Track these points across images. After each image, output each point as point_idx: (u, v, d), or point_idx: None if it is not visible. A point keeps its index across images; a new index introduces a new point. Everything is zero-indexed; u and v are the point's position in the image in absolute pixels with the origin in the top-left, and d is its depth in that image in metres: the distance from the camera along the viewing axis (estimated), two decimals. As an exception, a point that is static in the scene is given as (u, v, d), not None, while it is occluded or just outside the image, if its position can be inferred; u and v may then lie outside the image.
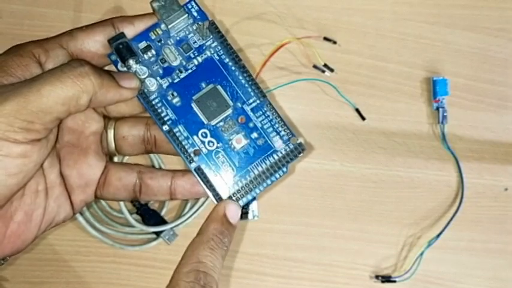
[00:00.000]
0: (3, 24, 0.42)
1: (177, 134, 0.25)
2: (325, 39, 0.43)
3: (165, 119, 0.25)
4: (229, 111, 0.25)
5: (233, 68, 0.25)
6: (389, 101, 0.43)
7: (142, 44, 0.25)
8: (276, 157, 0.26)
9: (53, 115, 0.21)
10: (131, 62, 0.25)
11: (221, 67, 0.25)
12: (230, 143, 0.25)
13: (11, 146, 0.20)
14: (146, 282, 0.42)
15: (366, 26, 0.44)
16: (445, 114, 0.43)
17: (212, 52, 0.25)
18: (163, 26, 0.25)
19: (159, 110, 0.25)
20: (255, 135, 0.25)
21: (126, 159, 0.40)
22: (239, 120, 0.25)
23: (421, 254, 0.42)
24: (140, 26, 0.25)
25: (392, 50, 0.44)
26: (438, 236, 0.42)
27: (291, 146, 0.26)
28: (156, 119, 0.25)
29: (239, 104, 0.25)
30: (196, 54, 0.25)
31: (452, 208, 0.43)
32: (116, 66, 0.25)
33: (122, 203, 0.40)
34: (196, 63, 0.25)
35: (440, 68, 0.44)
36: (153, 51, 0.25)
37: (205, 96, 0.25)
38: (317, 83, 0.43)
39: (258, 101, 0.25)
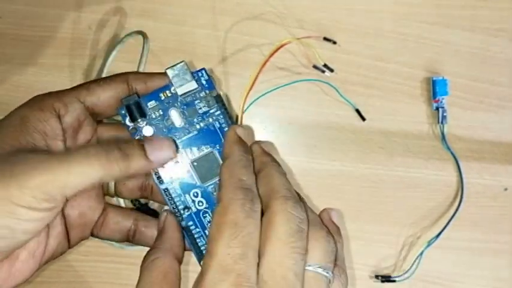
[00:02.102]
0: (3, 24, 0.42)
1: (171, 191, 0.27)
2: (325, 39, 0.43)
3: (163, 175, 0.27)
4: None
5: None
6: (389, 101, 0.43)
7: (152, 104, 0.27)
8: None
9: (75, 190, 0.23)
10: (140, 121, 0.27)
11: (220, 134, 0.27)
12: None
13: (32, 213, 0.22)
14: (146, 282, 0.42)
15: (365, 26, 0.44)
16: (444, 114, 0.43)
17: (214, 119, 0.27)
18: (173, 89, 0.27)
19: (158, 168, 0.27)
20: None
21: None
22: None
23: (421, 253, 0.42)
24: (151, 85, 0.27)
25: (392, 50, 0.44)
26: (438, 235, 0.42)
27: None
28: (154, 176, 0.27)
29: None
30: (199, 120, 0.27)
31: (452, 208, 0.43)
32: (124, 121, 0.27)
33: (122, 202, 0.40)
34: (198, 127, 0.27)
35: (440, 68, 0.44)
36: (161, 112, 0.27)
37: (202, 159, 0.27)
38: (317, 83, 0.43)
39: None
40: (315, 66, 0.43)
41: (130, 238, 0.28)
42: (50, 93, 0.26)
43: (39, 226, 0.23)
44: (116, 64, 0.42)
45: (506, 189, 0.44)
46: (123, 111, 0.26)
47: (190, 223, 0.27)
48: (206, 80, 0.27)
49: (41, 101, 0.25)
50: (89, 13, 0.43)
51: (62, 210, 0.26)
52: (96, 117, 0.28)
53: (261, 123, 0.43)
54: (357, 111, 0.43)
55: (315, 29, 0.43)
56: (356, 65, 0.43)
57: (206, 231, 0.27)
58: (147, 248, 0.43)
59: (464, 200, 0.42)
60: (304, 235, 0.22)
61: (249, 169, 0.24)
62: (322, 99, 0.43)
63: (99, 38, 0.42)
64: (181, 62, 0.27)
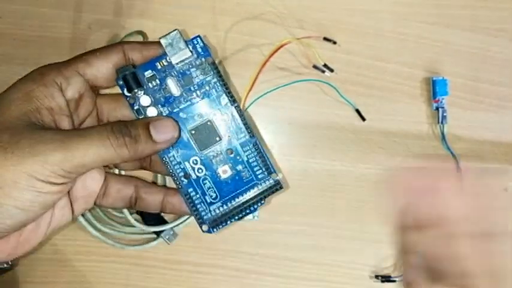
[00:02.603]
0: (3, 24, 0.42)
1: (171, 159, 0.28)
2: (325, 39, 0.43)
3: None
4: (220, 143, 0.28)
5: (228, 104, 0.28)
6: (389, 101, 0.43)
7: (148, 73, 0.27)
8: (256, 189, 0.28)
9: (88, 168, 0.24)
10: (137, 91, 0.27)
11: (217, 102, 0.28)
12: (217, 172, 0.28)
13: (51, 187, 0.24)
14: (146, 282, 0.42)
15: (365, 26, 0.44)
16: (444, 114, 0.43)
17: (211, 87, 0.27)
18: (168, 58, 0.27)
19: None
20: (240, 167, 0.28)
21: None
22: (228, 152, 0.28)
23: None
24: (147, 54, 0.27)
25: (392, 50, 0.44)
26: (438, 236, 0.42)
27: (271, 181, 0.28)
28: None
29: (229, 137, 0.28)
30: (196, 88, 0.27)
31: (452, 208, 0.43)
32: (123, 92, 0.27)
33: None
34: (195, 95, 0.27)
35: (440, 68, 0.44)
36: (157, 81, 0.27)
37: (200, 128, 0.27)
38: (317, 83, 0.43)
39: (246, 137, 0.28)
40: (315, 66, 0.43)
41: (132, 205, 0.29)
42: (49, 66, 0.26)
43: (55, 199, 0.25)
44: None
45: (506, 189, 0.44)
46: (120, 82, 0.27)
47: (191, 189, 0.28)
48: (202, 47, 0.27)
49: (43, 75, 0.25)
50: (89, 13, 0.43)
51: None
52: (95, 89, 0.28)
53: (261, 123, 0.43)
54: (357, 111, 0.43)
55: (315, 29, 0.43)
56: (356, 65, 0.43)
57: (206, 197, 0.28)
58: (147, 248, 0.43)
59: (464, 200, 0.42)
60: None
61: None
62: (322, 99, 0.43)
63: (99, 38, 0.42)
64: (174, 30, 0.27)
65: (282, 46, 0.41)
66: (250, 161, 0.28)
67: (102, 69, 0.27)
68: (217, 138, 0.27)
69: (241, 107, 0.39)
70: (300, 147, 0.43)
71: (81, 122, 0.28)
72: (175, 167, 0.28)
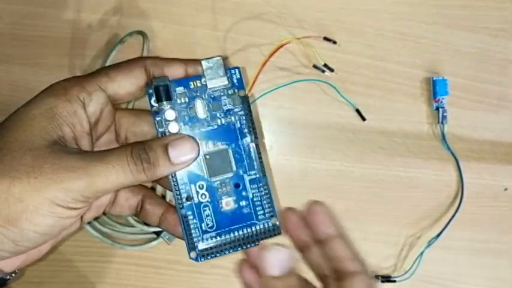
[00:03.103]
0: (3, 24, 0.42)
1: (178, 177, 0.27)
2: (325, 39, 0.43)
3: None
4: (230, 174, 0.28)
5: (248, 139, 0.28)
6: (389, 101, 0.43)
7: (180, 90, 0.27)
8: (254, 229, 0.28)
9: (107, 193, 0.25)
10: (165, 103, 0.27)
11: (238, 134, 0.28)
12: (220, 202, 0.28)
13: (70, 212, 0.24)
14: (146, 282, 0.42)
15: (365, 26, 0.44)
16: (444, 114, 0.43)
17: (236, 119, 0.28)
18: (203, 81, 0.27)
19: None
20: (243, 203, 0.28)
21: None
22: (235, 186, 0.28)
23: (421, 253, 0.42)
24: (169, 72, 0.27)
25: (392, 50, 0.44)
26: (438, 235, 0.42)
27: (270, 225, 0.28)
28: None
29: (241, 172, 0.28)
30: (222, 116, 0.28)
31: (452, 208, 0.43)
32: (150, 101, 0.27)
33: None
34: (219, 122, 0.28)
35: (440, 68, 0.44)
36: (187, 99, 0.27)
37: (215, 154, 0.28)
38: (317, 83, 0.43)
39: (258, 175, 0.28)
40: (315, 66, 0.43)
41: (137, 213, 0.29)
42: (72, 81, 0.26)
43: (73, 221, 0.25)
44: (116, 64, 0.42)
45: (506, 189, 0.44)
46: (150, 91, 0.27)
47: (189, 213, 0.27)
48: (238, 79, 0.28)
49: (66, 90, 0.25)
50: (89, 13, 0.43)
51: None
52: (115, 104, 0.28)
53: (261, 123, 0.43)
54: (357, 111, 0.43)
55: (315, 28, 0.43)
56: (356, 64, 0.43)
57: (203, 224, 0.28)
58: (147, 248, 0.43)
59: (464, 200, 0.42)
60: None
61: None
62: (322, 99, 0.43)
63: (99, 38, 0.42)
64: (217, 56, 0.27)
65: (282, 46, 0.41)
66: (255, 199, 0.28)
67: (124, 83, 0.26)
68: (229, 169, 0.27)
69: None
70: (300, 147, 0.43)
71: (99, 136, 0.28)
72: (181, 186, 0.27)
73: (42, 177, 0.23)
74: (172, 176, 0.27)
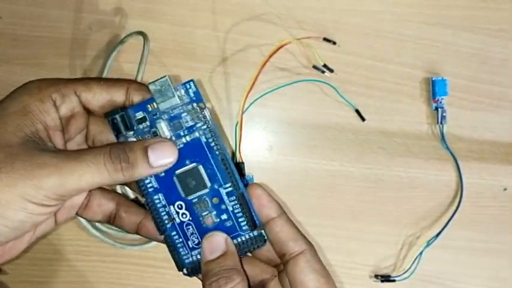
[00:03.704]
0: (3, 24, 0.42)
1: (156, 201, 0.27)
2: (325, 39, 0.43)
3: (148, 185, 0.27)
4: (206, 190, 0.27)
5: (216, 152, 0.27)
6: (388, 102, 0.43)
7: (139, 115, 0.27)
8: (239, 240, 0.27)
9: (82, 192, 0.25)
10: (127, 133, 0.27)
11: (206, 149, 0.27)
12: (201, 219, 0.27)
13: (42, 209, 0.24)
14: (146, 281, 0.42)
15: (365, 26, 0.44)
16: (444, 114, 0.43)
17: (201, 133, 0.27)
18: (155, 104, 0.27)
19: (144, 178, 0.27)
20: (224, 216, 0.27)
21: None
22: (213, 201, 0.27)
23: (421, 253, 0.42)
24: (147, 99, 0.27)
25: (391, 51, 0.44)
26: (437, 235, 0.42)
27: (255, 234, 0.27)
28: (139, 185, 0.27)
29: (216, 186, 0.27)
30: (186, 133, 0.27)
31: (452, 208, 0.43)
32: (113, 133, 0.27)
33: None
34: (184, 141, 0.27)
35: (439, 69, 0.44)
36: (148, 123, 0.27)
37: (187, 173, 0.27)
38: (317, 83, 0.43)
39: (232, 187, 0.27)
40: (314, 67, 0.43)
41: (111, 221, 0.29)
42: (48, 81, 0.26)
43: (45, 218, 0.25)
44: (116, 64, 0.42)
45: (505, 189, 0.44)
46: (110, 124, 0.26)
47: (174, 233, 0.27)
48: (194, 92, 0.27)
49: (40, 89, 0.25)
50: (89, 13, 0.43)
51: None
52: (88, 111, 0.28)
53: (261, 123, 0.43)
54: (357, 111, 0.43)
55: (315, 29, 0.43)
56: (356, 65, 0.43)
57: (189, 242, 0.27)
58: (147, 248, 0.43)
59: (464, 200, 0.42)
60: None
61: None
62: (322, 100, 0.43)
63: (99, 38, 0.42)
64: (163, 76, 0.26)
65: (282, 46, 0.41)
66: (236, 211, 0.27)
67: (99, 97, 0.26)
68: (204, 186, 0.27)
69: (241, 107, 0.39)
70: (300, 147, 0.43)
71: (69, 139, 0.28)
72: (160, 210, 0.27)
73: (13, 173, 0.23)
74: (149, 202, 0.27)
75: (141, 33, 0.41)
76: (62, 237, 0.42)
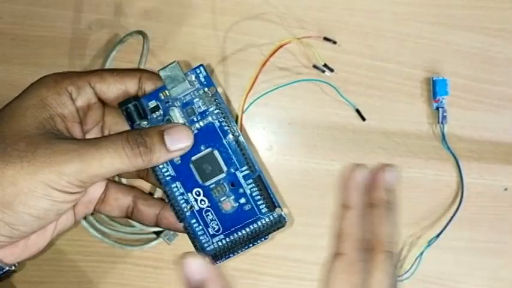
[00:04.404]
0: (3, 24, 0.42)
1: (174, 189, 0.27)
2: (325, 39, 0.43)
3: (165, 174, 0.27)
4: (222, 175, 0.27)
5: (230, 136, 0.27)
6: (389, 101, 0.43)
7: (152, 103, 0.27)
8: (259, 224, 0.27)
9: (103, 178, 0.25)
10: (141, 122, 0.27)
11: (220, 133, 0.27)
12: (219, 204, 0.27)
13: (65, 196, 0.24)
14: (146, 282, 0.42)
15: (365, 26, 0.44)
16: (444, 114, 0.43)
17: (214, 118, 0.27)
18: (166, 91, 0.27)
19: (161, 166, 0.27)
20: (243, 200, 0.27)
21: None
22: (230, 185, 0.27)
23: (421, 253, 0.42)
24: (160, 86, 0.27)
25: (392, 50, 0.44)
26: (438, 235, 0.42)
27: (275, 216, 0.27)
28: (156, 174, 0.27)
29: (232, 170, 0.27)
30: (199, 119, 0.27)
31: (452, 208, 0.43)
32: (128, 123, 0.27)
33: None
34: (198, 126, 0.27)
35: (440, 68, 0.44)
36: (161, 111, 0.27)
37: (202, 159, 0.27)
38: (317, 83, 0.43)
39: (249, 170, 0.27)
40: (315, 66, 0.43)
41: (128, 215, 0.29)
42: (64, 74, 0.26)
43: (68, 206, 0.25)
44: (116, 64, 0.42)
45: (506, 189, 0.44)
46: (123, 114, 0.27)
47: (193, 221, 0.27)
48: (204, 77, 0.27)
49: (56, 82, 0.26)
50: (89, 13, 0.43)
51: None
52: (104, 103, 0.28)
53: (261, 123, 0.43)
54: (357, 111, 0.43)
55: (315, 29, 0.43)
56: (356, 65, 0.43)
57: (209, 229, 0.27)
58: (147, 248, 0.43)
59: (464, 200, 0.42)
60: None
61: (364, 220, 0.25)
62: (322, 99, 0.43)
63: (99, 38, 0.42)
64: (173, 62, 0.27)
65: (282, 46, 0.41)
66: (254, 194, 0.27)
67: (113, 88, 0.27)
68: (220, 170, 0.27)
69: (241, 107, 0.39)
70: (300, 147, 0.43)
71: (87, 131, 0.28)
72: (179, 198, 0.27)
73: (35, 160, 0.23)
74: (167, 190, 0.27)
75: (140, 32, 0.41)
76: (61, 238, 0.42)
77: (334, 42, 0.43)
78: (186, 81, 0.26)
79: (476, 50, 0.44)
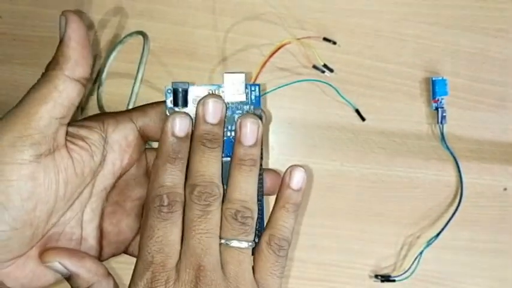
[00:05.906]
0: (4, 24, 0.42)
1: None
2: (325, 39, 0.43)
3: None
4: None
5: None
6: (388, 101, 0.43)
7: (199, 96, 0.27)
8: None
9: (63, 108, 0.24)
10: (180, 108, 0.27)
11: None
12: None
13: (20, 169, 0.22)
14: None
15: (365, 26, 0.44)
16: (444, 114, 0.43)
17: None
18: (222, 92, 0.27)
19: None
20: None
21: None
22: None
23: (421, 253, 0.42)
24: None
25: (391, 51, 0.44)
26: (437, 235, 0.42)
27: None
28: None
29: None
30: (232, 129, 0.27)
31: (452, 208, 0.43)
32: (166, 101, 0.27)
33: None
34: (229, 135, 0.27)
35: (439, 68, 0.44)
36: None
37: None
38: (317, 83, 0.43)
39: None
40: (314, 67, 0.43)
41: None
42: (108, 112, 0.28)
43: (35, 187, 0.23)
44: (116, 64, 0.42)
45: (505, 189, 0.44)
46: (169, 91, 0.27)
47: None
48: (256, 97, 0.27)
49: (98, 117, 0.27)
50: (89, 13, 0.43)
51: (102, 227, 0.27)
52: (147, 139, 0.28)
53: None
54: (357, 111, 0.43)
55: (315, 29, 0.43)
56: (356, 65, 0.43)
57: None
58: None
59: (463, 200, 0.42)
60: (208, 217, 0.25)
61: (177, 165, 0.25)
62: (322, 99, 0.43)
63: (99, 38, 0.42)
64: (241, 72, 0.27)
65: (282, 46, 0.41)
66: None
67: (155, 118, 0.27)
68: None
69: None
70: (300, 147, 0.43)
71: (125, 167, 0.27)
72: None
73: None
74: None
75: (141, 33, 0.41)
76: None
77: (334, 43, 0.43)
78: (244, 95, 0.27)
79: (476, 50, 0.44)
